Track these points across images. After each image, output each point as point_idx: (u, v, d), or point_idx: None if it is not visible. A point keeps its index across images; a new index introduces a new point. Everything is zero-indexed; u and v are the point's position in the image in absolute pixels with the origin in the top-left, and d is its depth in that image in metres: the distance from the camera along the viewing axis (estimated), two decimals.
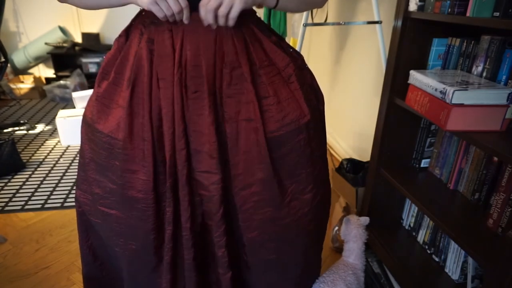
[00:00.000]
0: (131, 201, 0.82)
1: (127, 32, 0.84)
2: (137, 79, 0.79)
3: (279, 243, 0.88)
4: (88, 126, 0.85)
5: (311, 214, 0.89)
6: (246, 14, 0.78)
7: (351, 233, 1.24)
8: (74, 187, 1.97)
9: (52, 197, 1.89)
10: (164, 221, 0.84)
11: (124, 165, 0.80)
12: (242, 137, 0.79)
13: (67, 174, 2.12)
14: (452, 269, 1.16)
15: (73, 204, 1.82)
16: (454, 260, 1.15)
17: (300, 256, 0.94)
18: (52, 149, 2.43)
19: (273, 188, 0.82)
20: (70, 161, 2.26)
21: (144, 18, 0.81)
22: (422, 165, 1.30)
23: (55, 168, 2.18)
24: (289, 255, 0.92)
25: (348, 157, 1.87)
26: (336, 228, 1.54)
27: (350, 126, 2.32)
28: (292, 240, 0.90)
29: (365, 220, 1.27)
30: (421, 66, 1.18)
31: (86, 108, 0.87)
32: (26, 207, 1.80)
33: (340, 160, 1.80)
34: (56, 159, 2.29)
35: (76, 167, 2.14)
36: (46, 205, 1.82)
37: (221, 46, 0.77)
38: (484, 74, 0.99)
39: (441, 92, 0.92)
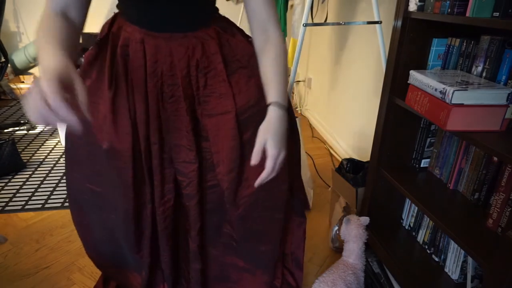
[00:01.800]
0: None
1: (109, 28, 0.91)
2: (117, 80, 0.88)
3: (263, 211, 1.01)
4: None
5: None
6: (211, 19, 0.90)
7: (351, 233, 1.24)
8: None
9: (53, 197, 1.89)
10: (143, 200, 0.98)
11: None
12: (222, 129, 0.90)
13: None
14: (452, 269, 1.16)
15: None
16: (454, 260, 1.15)
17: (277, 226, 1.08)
18: (52, 149, 2.43)
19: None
20: None
21: (120, 18, 0.90)
22: (422, 165, 1.30)
23: (55, 168, 2.19)
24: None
25: (348, 157, 1.88)
26: (336, 228, 1.54)
27: (350, 126, 2.32)
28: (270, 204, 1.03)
29: (365, 220, 1.27)
30: (421, 66, 1.18)
31: None
32: (27, 207, 1.80)
33: (340, 160, 1.81)
34: (56, 159, 2.29)
35: None
36: (47, 205, 1.82)
37: (193, 55, 0.86)
38: (484, 74, 0.99)
39: (441, 92, 0.92)
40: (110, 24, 0.91)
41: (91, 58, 0.91)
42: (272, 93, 0.79)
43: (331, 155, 2.46)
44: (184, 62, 0.86)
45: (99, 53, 0.91)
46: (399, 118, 1.25)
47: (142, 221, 1.00)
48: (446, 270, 1.18)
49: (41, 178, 2.07)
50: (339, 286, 1.11)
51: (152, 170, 0.94)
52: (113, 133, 0.89)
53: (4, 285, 1.32)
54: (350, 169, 1.65)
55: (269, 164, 0.76)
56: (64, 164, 2.23)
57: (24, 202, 1.84)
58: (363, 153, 2.11)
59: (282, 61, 0.82)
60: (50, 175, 2.11)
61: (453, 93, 0.88)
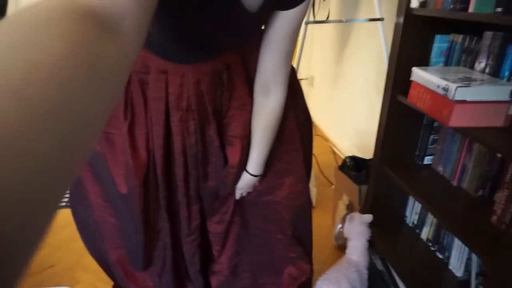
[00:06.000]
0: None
1: None
2: (134, 108, 0.79)
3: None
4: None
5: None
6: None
7: (354, 231, 1.25)
8: None
9: None
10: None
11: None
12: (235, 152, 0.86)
13: None
14: (456, 266, 1.16)
15: None
16: (458, 257, 1.14)
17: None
18: None
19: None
20: None
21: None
22: (425, 162, 1.29)
23: None
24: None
25: (351, 154, 1.87)
26: (340, 226, 1.54)
27: (353, 124, 2.31)
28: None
29: (368, 217, 1.27)
30: (424, 63, 1.17)
31: None
32: None
33: (343, 158, 1.80)
34: None
35: None
36: None
37: (220, 81, 0.80)
38: (487, 70, 0.99)
39: (443, 88, 0.92)
40: None
41: None
42: (251, 164, 0.87)
43: (334, 153, 2.45)
44: (212, 91, 0.80)
45: None
46: (401, 115, 1.25)
47: (155, 251, 0.96)
48: (450, 267, 1.18)
49: None
50: (343, 284, 1.11)
51: (173, 206, 0.90)
52: (133, 171, 0.80)
53: None
54: (353, 166, 1.65)
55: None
56: None
57: None
58: (366, 150, 2.10)
59: (271, 132, 0.84)
60: None
61: (456, 90, 0.87)
